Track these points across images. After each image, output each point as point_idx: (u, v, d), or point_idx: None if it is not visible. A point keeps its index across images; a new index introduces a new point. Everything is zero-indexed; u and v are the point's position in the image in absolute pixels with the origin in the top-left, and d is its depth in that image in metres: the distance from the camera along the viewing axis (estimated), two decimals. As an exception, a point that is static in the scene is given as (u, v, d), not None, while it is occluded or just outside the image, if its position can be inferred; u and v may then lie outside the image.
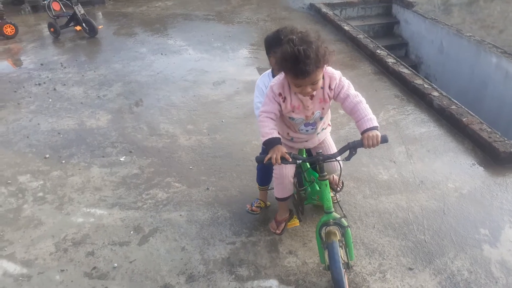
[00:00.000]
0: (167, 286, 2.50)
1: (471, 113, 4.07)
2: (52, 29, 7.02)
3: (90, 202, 3.21)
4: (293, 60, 1.87)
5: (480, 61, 6.09)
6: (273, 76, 2.45)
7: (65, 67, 5.79)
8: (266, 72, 2.59)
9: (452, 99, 4.34)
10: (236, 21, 7.58)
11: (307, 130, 2.37)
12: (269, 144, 2.12)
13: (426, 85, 4.69)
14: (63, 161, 3.71)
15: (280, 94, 2.16)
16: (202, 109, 4.59)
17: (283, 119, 2.32)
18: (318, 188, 2.47)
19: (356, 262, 2.63)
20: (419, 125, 4.17)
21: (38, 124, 4.34)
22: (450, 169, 3.49)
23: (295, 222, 2.85)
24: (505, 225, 2.90)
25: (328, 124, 2.52)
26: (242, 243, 2.79)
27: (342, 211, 2.37)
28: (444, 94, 4.47)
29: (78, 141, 4.03)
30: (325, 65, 2.00)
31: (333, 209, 2.21)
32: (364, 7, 8.33)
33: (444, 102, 4.30)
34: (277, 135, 2.15)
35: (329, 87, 2.13)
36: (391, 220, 2.97)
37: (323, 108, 2.23)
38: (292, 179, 2.57)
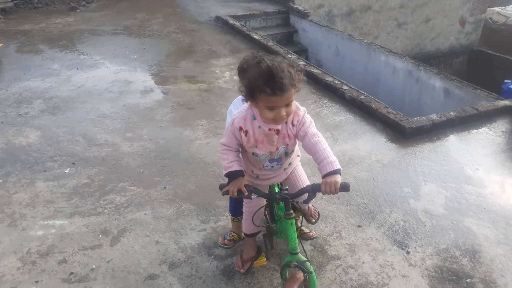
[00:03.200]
0: (152, 276, 2.61)
1: (377, 100, 4.82)
2: None
3: (45, 215, 3.12)
4: (269, 76, 1.77)
5: (371, 60, 7.09)
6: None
7: (-33, 88, 5.32)
8: (239, 97, 2.36)
9: (360, 91, 5.07)
10: (147, 34, 7.65)
11: (272, 166, 2.19)
12: (231, 177, 2.06)
13: (336, 81, 5.38)
14: (0, 180, 3.51)
15: (240, 128, 2.03)
16: (136, 117, 4.65)
17: (247, 155, 2.17)
18: None
19: (315, 228, 3.02)
20: (336, 114, 4.79)
21: (-44, 147, 3.99)
22: (370, 146, 4.13)
23: (262, 260, 2.60)
24: (421, 183, 3.57)
25: (297, 155, 2.35)
26: (213, 229, 3.00)
27: (306, 255, 2.13)
28: (353, 87, 5.20)
29: (10, 159, 3.81)
30: (296, 87, 1.87)
31: (298, 250, 2.09)
32: (266, 18, 9.01)
33: (354, 94, 5.00)
34: (237, 168, 2.07)
35: (292, 122, 2.01)
36: (334, 192, 3.45)
37: (287, 144, 2.09)
38: (263, 214, 2.42)
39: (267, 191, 2.32)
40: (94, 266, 2.67)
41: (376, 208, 3.25)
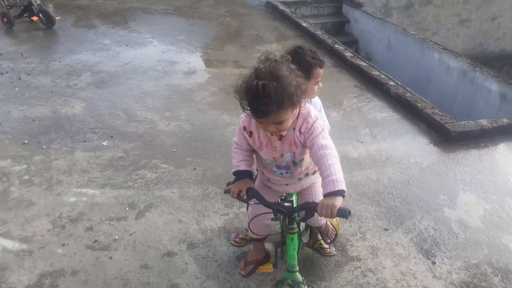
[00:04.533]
0: (170, 253, 2.66)
1: (424, 99, 4.59)
2: (5, 19, 6.72)
3: (79, 183, 3.26)
4: (251, 96, 1.59)
5: (424, 57, 6.74)
6: None
7: (26, 57, 5.62)
8: None
9: (407, 88, 4.84)
10: (197, 16, 7.72)
11: (281, 173, 2.02)
12: (237, 177, 1.94)
13: (382, 76, 5.17)
14: (44, 146, 3.70)
15: (245, 128, 1.91)
16: (177, 97, 4.72)
17: (258, 156, 2.02)
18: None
19: (339, 225, 2.95)
20: (379, 111, 4.61)
21: (9, 112, 4.25)
22: (410, 147, 3.94)
23: (268, 267, 2.39)
24: (460, 191, 3.36)
25: (316, 171, 2.10)
26: (235, 214, 3.01)
27: (302, 277, 1.97)
28: (399, 83, 4.97)
29: (55, 127, 4.01)
30: (296, 106, 1.68)
31: (296, 268, 1.94)
32: (317, 6, 8.80)
33: (400, 90, 4.78)
34: (245, 168, 1.94)
35: (300, 130, 1.81)
36: (365, 191, 3.34)
37: (294, 152, 1.89)
38: (267, 220, 2.15)
39: (277, 198, 2.19)
40: (117, 237, 2.76)
41: (407, 213, 3.11)
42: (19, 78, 4.99)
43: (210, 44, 6.43)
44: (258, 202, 1.88)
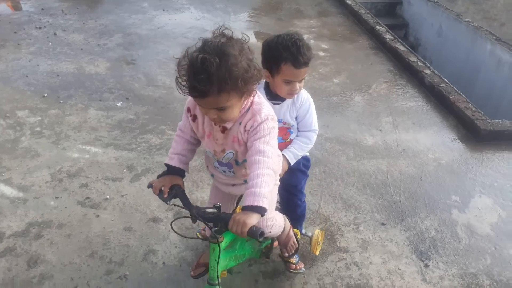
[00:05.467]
0: (156, 219, 2.67)
1: (459, 91, 4.23)
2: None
3: (85, 140, 3.34)
4: (189, 70, 1.36)
5: (475, 47, 6.21)
6: (265, 92, 2.02)
7: (66, 14, 5.78)
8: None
9: (443, 78, 4.48)
10: (240, -15, 7.55)
11: (223, 171, 1.76)
12: (167, 170, 1.72)
13: (419, 63, 4.82)
14: (61, 101, 3.81)
15: (189, 110, 1.66)
16: (200, 65, 4.67)
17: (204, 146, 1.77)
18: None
19: (333, 213, 2.82)
20: (408, 99, 4.32)
21: (38, 65, 4.40)
22: (432, 141, 3.67)
23: (223, 272, 1.97)
24: (476, 194, 3.10)
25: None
26: (229, 189, 2.95)
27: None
28: (436, 72, 4.61)
29: (76, 84, 4.11)
30: (242, 94, 1.45)
31: (216, 281, 1.71)
32: (370, -16, 8.32)
33: (435, 80, 4.44)
34: (176, 164, 1.71)
35: (245, 127, 1.55)
36: (370, 181, 3.15)
37: (237, 151, 1.65)
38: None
39: (233, 202, 1.97)
40: (108, 197, 2.80)
41: (410, 210, 2.91)
42: (55, 34, 5.14)
43: (247, 14, 6.29)
44: (175, 203, 1.64)
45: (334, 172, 3.21)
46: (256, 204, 1.41)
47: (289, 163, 2.06)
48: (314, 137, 2.12)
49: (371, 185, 3.11)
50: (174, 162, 1.71)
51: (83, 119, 3.58)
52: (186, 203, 1.63)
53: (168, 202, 1.63)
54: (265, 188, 1.43)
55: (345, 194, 3.00)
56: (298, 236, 2.30)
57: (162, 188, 1.64)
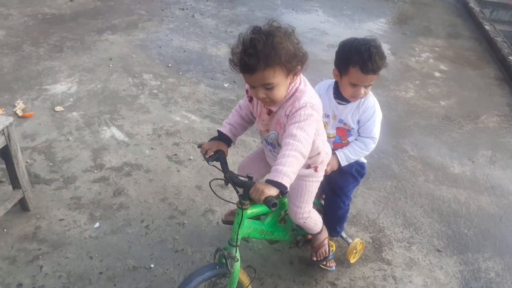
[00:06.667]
0: (223, 185, 2.99)
1: None
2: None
3: (189, 108, 3.83)
4: (241, 50, 1.56)
5: None
6: (334, 90, 2.14)
7: (207, 0, 6.50)
8: (330, 81, 2.20)
9: None
10: (374, -4, 7.53)
11: (270, 150, 1.95)
12: (218, 136, 1.92)
13: (547, 103, 4.34)
14: (180, 73, 4.39)
15: (247, 92, 1.87)
16: (310, 66, 4.87)
17: None
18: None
19: (390, 227, 2.82)
20: (519, 138, 3.96)
21: (171, 40, 5.10)
22: (530, 186, 3.35)
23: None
24: (561, 252, 2.78)
25: (310, 165, 1.92)
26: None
27: (237, 254, 1.83)
28: None
29: (197, 61, 4.68)
30: (286, 70, 1.59)
31: (235, 243, 1.82)
32: (521, 12, 7.56)
33: (559, 124, 3.97)
34: (227, 132, 1.90)
35: (286, 112, 1.68)
36: (442, 207, 3.04)
37: (278, 133, 1.79)
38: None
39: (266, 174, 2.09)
40: (192, 157, 3.22)
41: (475, 246, 2.76)
42: (193, 16, 5.85)
43: (371, 24, 6.29)
44: (214, 165, 1.83)
45: (406, 189, 3.17)
46: (276, 179, 1.52)
47: (339, 163, 2.14)
48: (371, 145, 2.14)
49: (440, 211, 3.01)
50: (225, 130, 1.91)
51: (193, 91, 4.10)
52: (224, 167, 1.80)
53: (210, 162, 1.83)
54: (289, 167, 1.54)
55: (408, 213, 2.96)
56: (332, 249, 2.40)
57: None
